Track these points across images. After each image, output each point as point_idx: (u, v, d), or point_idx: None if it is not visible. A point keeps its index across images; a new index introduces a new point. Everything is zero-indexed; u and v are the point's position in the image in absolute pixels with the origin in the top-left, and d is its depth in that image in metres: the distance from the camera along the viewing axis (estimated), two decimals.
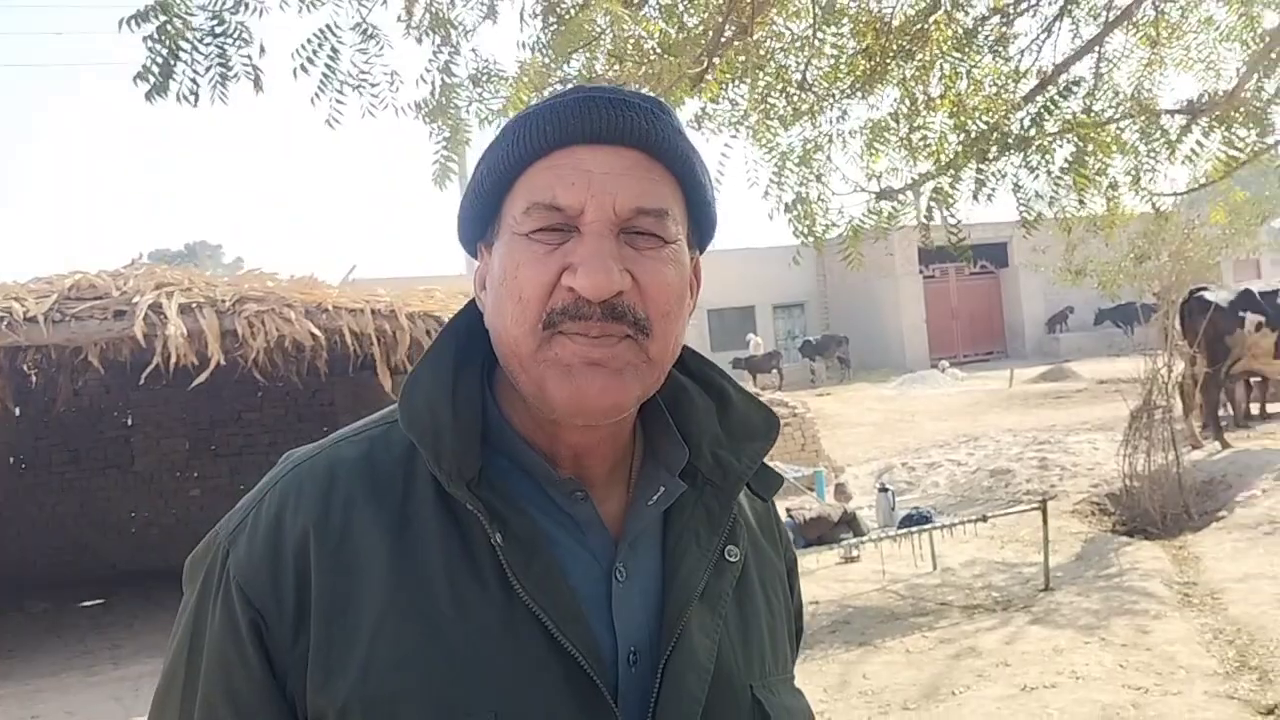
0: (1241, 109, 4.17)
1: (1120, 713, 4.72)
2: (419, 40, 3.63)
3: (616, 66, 3.51)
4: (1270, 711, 4.61)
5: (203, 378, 6.26)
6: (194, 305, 6.33)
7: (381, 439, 0.93)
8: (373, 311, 7.05)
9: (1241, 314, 10.56)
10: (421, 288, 8.22)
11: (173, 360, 6.04)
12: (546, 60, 3.31)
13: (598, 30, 3.39)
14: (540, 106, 0.89)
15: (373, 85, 3.68)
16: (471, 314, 0.98)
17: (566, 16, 3.52)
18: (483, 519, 0.85)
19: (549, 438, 0.92)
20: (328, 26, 3.61)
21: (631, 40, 3.52)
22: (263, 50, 3.81)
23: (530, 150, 0.87)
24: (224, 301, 6.47)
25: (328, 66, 3.63)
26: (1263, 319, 10.53)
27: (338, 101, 3.67)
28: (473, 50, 3.36)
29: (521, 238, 0.87)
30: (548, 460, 0.92)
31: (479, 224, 0.95)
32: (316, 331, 6.73)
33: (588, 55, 3.49)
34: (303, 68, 3.64)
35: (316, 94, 3.68)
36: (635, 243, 0.87)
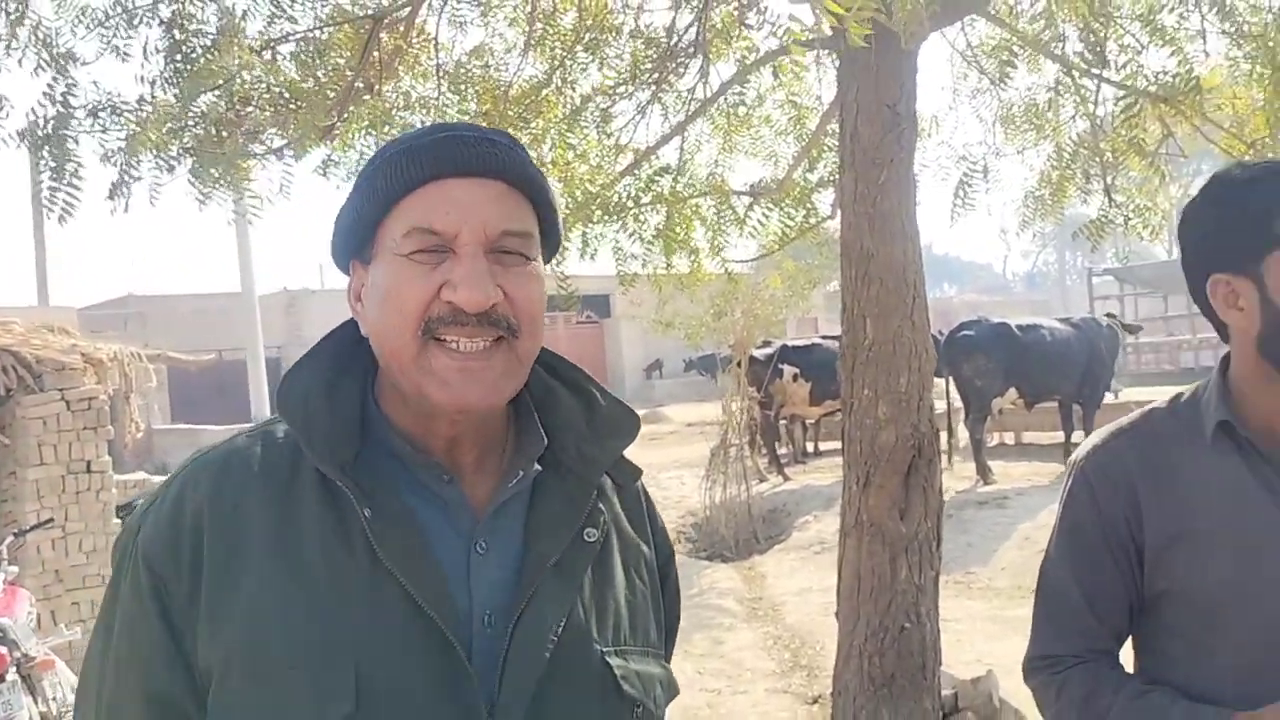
0: (791, 193, 5.02)
1: (698, 713, 5.35)
2: (20, 64, 3.44)
3: (245, 109, 3.58)
4: (815, 701, 5.46)
5: None
6: None
7: (273, 432, 1.05)
8: None
9: (780, 366, 12.23)
10: None
11: None
12: (173, 99, 3.31)
13: (228, 73, 3.44)
14: (414, 143, 1.01)
15: None
16: (351, 326, 1.09)
17: (193, 56, 3.53)
18: (352, 495, 0.97)
19: (424, 430, 1.04)
20: None
21: (263, 86, 3.60)
22: None
23: (407, 182, 0.99)
24: None
25: None
26: (798, 370, 12.28)
27: None
28: (94, 82, 3.27)
29: (402, 258, 0.99)
30: (422, 450, 1.03)
31: (354, 244, 1.06)
32: None
33: (216, 97, 3.51)
34: None
35: None
36: (503, 260, 0.99)
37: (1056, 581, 1.58)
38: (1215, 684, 1.42)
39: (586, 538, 1.06)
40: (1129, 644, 1.60)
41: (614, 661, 1.04)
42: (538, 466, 1.07)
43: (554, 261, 4.87)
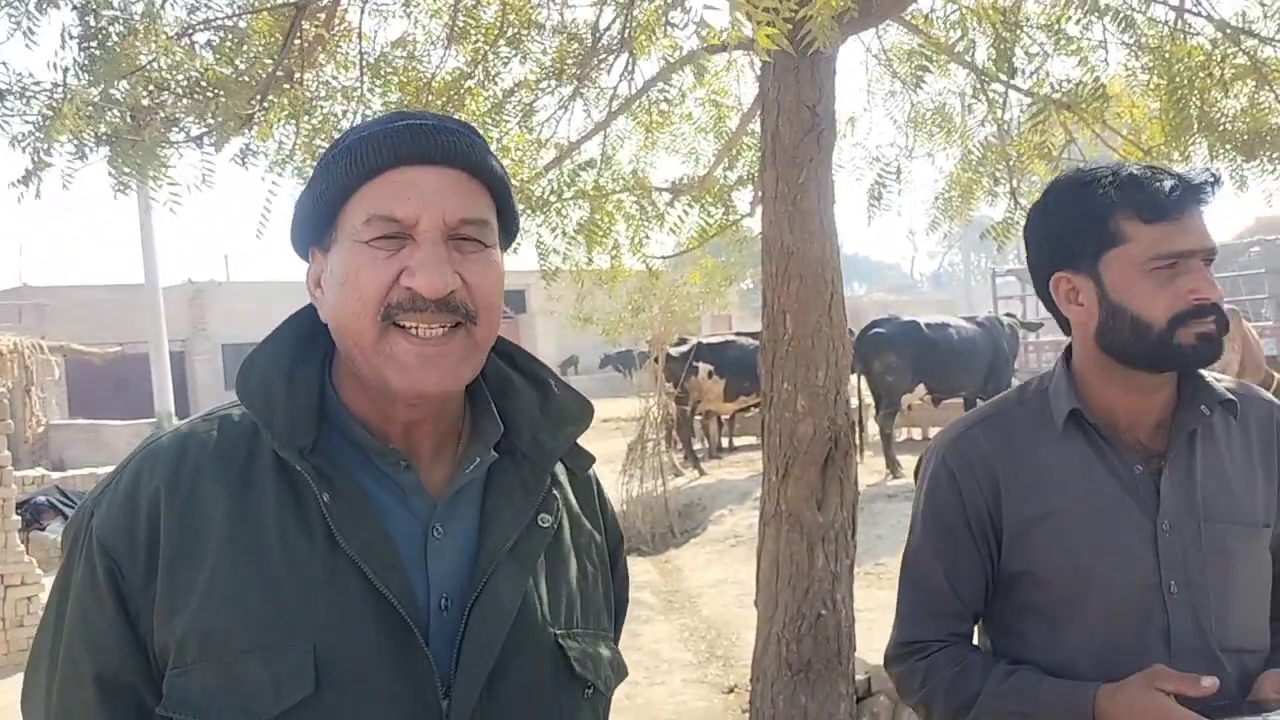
0: (711, 190, 5.11)
1: (616, 704, 5.33)
2: None
3: (162, 97, 3.50)
4: (730, 690, 5.56)
5: None
6: None
7: (229, 417, 1.06)
8: None
9: (695, 364, 12.38)
10: None
11: None
12: (87, 85, 3.22)
13: (144, 59, 3.36)
14: (373, 131, 1.03)
15: None
16: (310, 311, 1.09)
17: (109, 43, 3.44)
18: (311, 479, 0.98)
19: (382, 416, 1.05)
20: None
21: (182, 74, 3.53)
22: None
23: (367, 169, 1.01)
24: None
25: None
26: (712, 367, 12.45)
27: None
28: (2, 63, 3.16)
29: (362, 245, 1.00)
30: (380, 436, 1.05)
31: (314, 231, 1.07)
32: None
33: (132, 83, 3.43)
34: None
35: None
36: (461, 248, 1.01)
37: (920, 567, 1.62)
38: (1069, 660, 1.47)
39: (541, 523, 1.08)
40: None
41: (567, 644, 1.07)
42: (494, 453, 1.09)
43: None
